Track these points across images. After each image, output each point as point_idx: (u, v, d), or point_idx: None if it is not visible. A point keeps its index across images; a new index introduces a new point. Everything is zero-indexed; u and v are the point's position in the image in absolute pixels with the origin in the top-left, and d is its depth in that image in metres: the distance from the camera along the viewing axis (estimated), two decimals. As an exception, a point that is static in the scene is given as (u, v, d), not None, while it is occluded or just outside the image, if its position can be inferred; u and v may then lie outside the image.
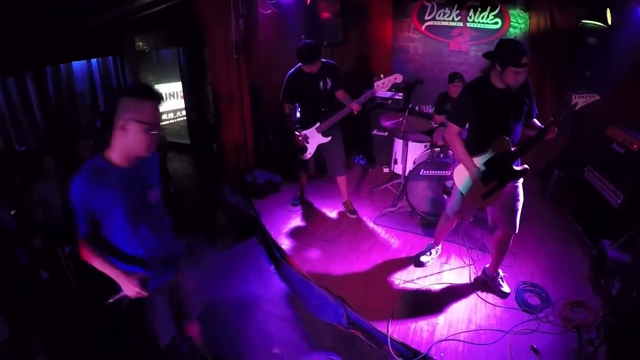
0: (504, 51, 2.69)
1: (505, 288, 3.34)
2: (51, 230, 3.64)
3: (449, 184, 4.11)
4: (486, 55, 2.85)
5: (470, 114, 2.94)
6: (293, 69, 4.11)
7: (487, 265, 3.50)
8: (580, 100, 2.67)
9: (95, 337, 3.15)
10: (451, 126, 3.01)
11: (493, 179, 2.91)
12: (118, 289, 2.02)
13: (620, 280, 3.00)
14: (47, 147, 3.96)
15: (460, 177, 3.08)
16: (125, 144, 1.91)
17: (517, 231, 3.11)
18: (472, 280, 3.54)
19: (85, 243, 1.96)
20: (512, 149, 2.85)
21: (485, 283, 3.47)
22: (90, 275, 3.45)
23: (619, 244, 3.23)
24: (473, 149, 2.96)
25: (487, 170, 2.91)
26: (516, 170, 2.88)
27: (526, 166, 2.90)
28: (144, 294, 2.00)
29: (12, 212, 3.53)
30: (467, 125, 3.08)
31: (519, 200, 3.03)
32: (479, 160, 2.95)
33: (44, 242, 3.58)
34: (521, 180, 3.00)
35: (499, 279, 3.39)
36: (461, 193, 3.11)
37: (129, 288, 1.98)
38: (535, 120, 3.01)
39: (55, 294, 3.45)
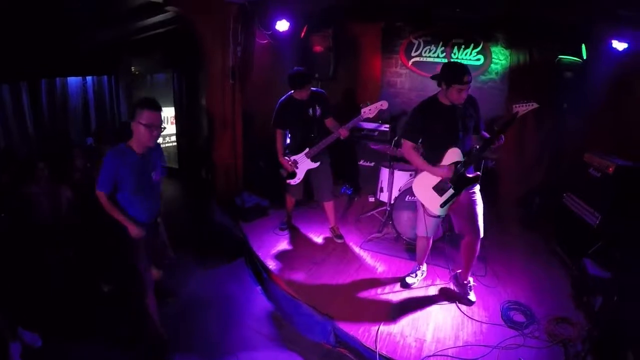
0: (449, 72, 3.07)
1: (472, 297, 3.50)
2: (39, 234, 3.62)
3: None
4: (433, 77, 3.21)
5: (421, 130, 3.23)
6: (284, 96, 4.29)
7: (459, 272, 3.63)
8: (521, 109, 3.02)
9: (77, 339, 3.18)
10: (406, 143, 3.30)
11: (449, 188, 3.17)
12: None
13: (602, 296, 3.08)
14: (41, 154, 3.99)
15: (419, 189, 3.33)
16: (137, 138, 2.80)
17: (482, 235, 3.30)
18: (438, 291, 3.71)
19: (106, 198, 2.81)
20: (463, 159, 3.12)
21: (454, 290, 3.63)
22: (78, 276, 3.43)
23: (594, 252, 3.40)
24: (428, 161, 3.22)
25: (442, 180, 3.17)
26: (469, 177, 3.14)
27: (478, 173, 3.17)
28: (142, 235, 2.86)
29: (2, 215, 3.51)
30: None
31: (477, 205, 3.26)
32: None
33: (31, 247, 3.55)
34: (477, 187, 3.26)
35: (468, 287, 3.53)
36: (422, 205, 3.34)
37: (135, 231, 2.83)
38: (485, 133, 3.33)
39: (41, 293, 3.47)
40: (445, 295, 3.64)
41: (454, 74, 3.00)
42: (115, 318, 3.39)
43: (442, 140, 3.15)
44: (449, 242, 4.19)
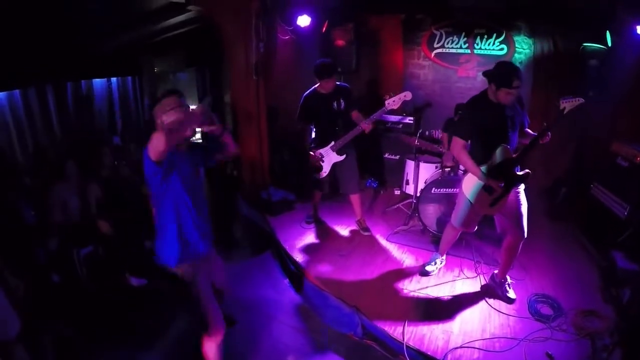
0: (499, 73, 3.00)
1: (511, 294, 3.45)
2: (68, 232, 3.72)
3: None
4: (485, 73, 3.13)
5: (472, 127, 3.14)
6: (309, 90, 4.33)
7: (496, 272, 3.60)
8: (568, 105, 2.92)
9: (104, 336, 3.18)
10: (457, 141, 3.19)
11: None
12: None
13: (630, 288, 3.06)
14: (70, 154, 4.12)
15: (469, 187, 3.24)
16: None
17: (525, 235, 3.24)
18: (480, 288, 3.65)
19: None
20: (513, 155, 3.05)
21: (492, 289, 3.57)
22: (102, 278, 3.49)
23: (622, 242, 3.37)
24: (478, 160, 3.14)
25: (492, 177, 3.08)
26: (519, 175, 3.07)
27: (528, 170, 3.08)
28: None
29: (32, 213, 3.64)
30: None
31: (522, 204, 3.20)
32: (485, 169, 3.13)
33: (60, 244, 3.65)
34: (522, 186, 3.18)
35: (506, 285, 3.49)
36: (470, 202, 3.27)
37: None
38: (528, 130, 3.25)
39: (65, 295, 3.46)
40: (472, 288, 3.67)
41: (503, 77, 2.94)
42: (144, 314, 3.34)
43: (492, 138, 3.06)
44: (476, 235, 4.19)
